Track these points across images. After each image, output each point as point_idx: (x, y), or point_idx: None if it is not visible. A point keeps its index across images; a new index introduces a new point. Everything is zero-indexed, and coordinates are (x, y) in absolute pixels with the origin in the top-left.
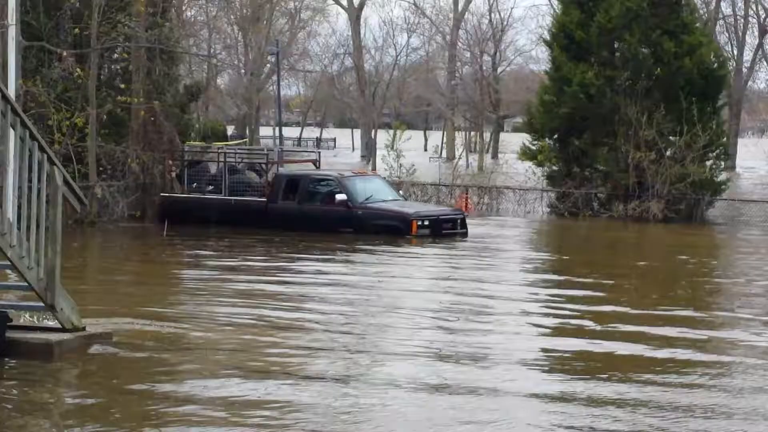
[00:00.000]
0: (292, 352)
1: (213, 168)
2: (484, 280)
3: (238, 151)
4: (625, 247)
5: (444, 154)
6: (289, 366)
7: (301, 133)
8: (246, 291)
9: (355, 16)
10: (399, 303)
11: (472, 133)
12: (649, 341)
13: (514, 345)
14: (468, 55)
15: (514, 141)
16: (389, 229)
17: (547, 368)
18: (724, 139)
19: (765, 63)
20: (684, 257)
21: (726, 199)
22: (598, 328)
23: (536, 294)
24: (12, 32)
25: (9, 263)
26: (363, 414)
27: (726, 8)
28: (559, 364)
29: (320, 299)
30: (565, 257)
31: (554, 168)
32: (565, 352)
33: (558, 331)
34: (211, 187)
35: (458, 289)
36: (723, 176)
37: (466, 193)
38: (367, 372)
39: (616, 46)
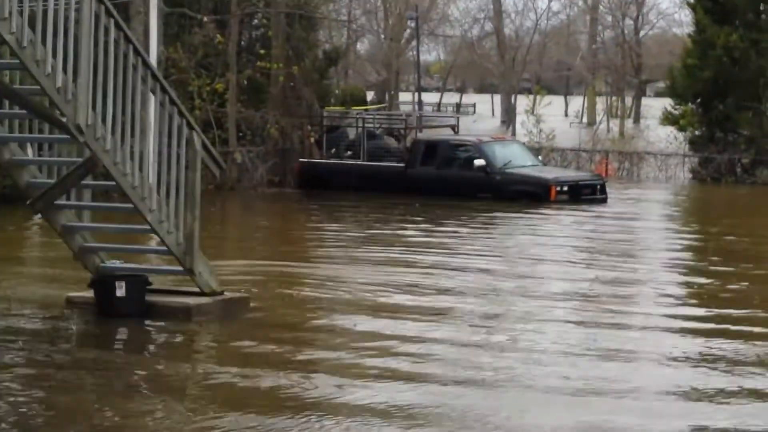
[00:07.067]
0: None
1: (352, 133)
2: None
3: (377, 116)
4: None
5: (584, 119)
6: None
7: (440, 99)
8: (384, 259)
9: None
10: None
11: (614, 98)
12: None
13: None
14: (609, 18)
15: (656, 106)
16: (528, 195)
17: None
18: None
19: None
20: None
21: None
22: None
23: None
24: None
25: (149, 227)
26: None
27: None
28: None
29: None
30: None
31: (696, 133)
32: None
33: None
34: (349, 153)
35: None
36: None
37: (607, 159)
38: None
39: (761, 8)
